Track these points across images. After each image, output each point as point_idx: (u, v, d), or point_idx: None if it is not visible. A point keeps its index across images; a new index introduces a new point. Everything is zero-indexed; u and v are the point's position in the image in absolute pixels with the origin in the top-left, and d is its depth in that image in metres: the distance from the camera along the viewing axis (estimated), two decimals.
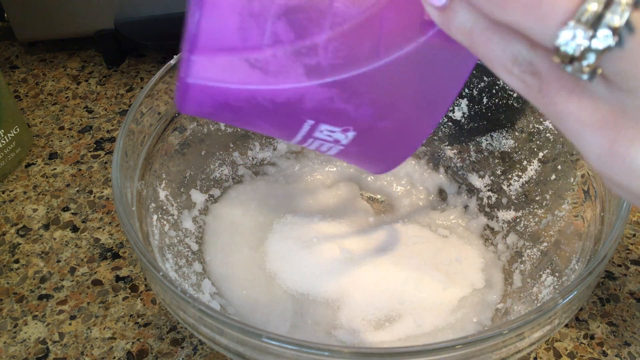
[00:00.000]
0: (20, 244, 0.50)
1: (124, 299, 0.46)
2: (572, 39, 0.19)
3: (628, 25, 0.19)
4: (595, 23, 0.19)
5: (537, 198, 0.46)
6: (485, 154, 0.50)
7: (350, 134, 0.30)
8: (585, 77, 0.20)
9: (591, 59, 0.19)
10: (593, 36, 0.19)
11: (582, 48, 0.19)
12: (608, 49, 0.19)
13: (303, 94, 0.27)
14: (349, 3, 0.26)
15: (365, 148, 0.32)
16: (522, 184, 0.47)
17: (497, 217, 0.48)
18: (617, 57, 0.19)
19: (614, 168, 0.21)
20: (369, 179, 0.53)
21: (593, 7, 0.19)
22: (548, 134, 0.45)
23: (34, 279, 0.48)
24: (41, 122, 0.62)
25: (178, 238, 0.44)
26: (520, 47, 0.21)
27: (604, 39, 0.19)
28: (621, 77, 0.19)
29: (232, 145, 0.50)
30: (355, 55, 0.27)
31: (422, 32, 0.27)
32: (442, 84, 0.30)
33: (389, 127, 0.31)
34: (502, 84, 0.47)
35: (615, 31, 0.19)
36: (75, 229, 0.51)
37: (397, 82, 0.28)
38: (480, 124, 0.49)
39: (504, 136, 0.48)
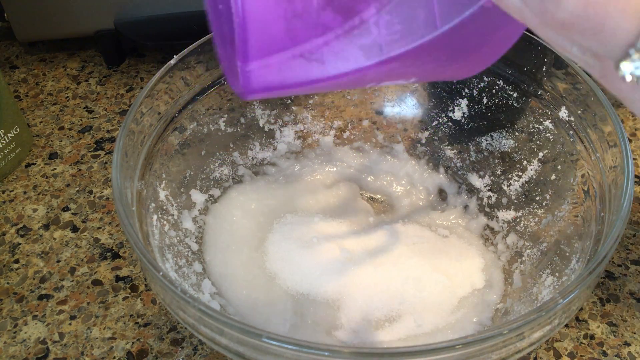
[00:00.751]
0: (20, 244, 0.50)
1: (124, 299, 0.46)
2: (635, 69, 0.20)
3: None
4: None
5: (537, 198, 0.46)
6: (485, 154, 0.50)
7: (412, 79, 0.31)
8: None
9: None
10: None
11: None
12: None
13: (364, 73, 0.27)
14: None
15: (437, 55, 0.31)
16: (522, 184, 0.47)
17: (497, 217, 0.48)
18: None
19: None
20: (369, 179, 0.53)
21: None
22: (548, 134, 0.45)
23: (34, 279, 0.48)
24: (41, 122, 0.62)
25: (178, 238, 0.44)
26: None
27: None
28: None
29: (232, 145, 0.50)
30: (410, 27, 0.26)
31: None
32: (497, 44, 0.29)
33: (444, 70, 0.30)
34: (502, 84, 0.47)
35: None
36: (75, 229, 0.51)
37: (455, 47, 0.28)
38: (480, 124, 0.49)
39: (504, 136, 0.48)
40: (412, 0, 0.26)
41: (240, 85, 0.26)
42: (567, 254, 0.40)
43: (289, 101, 0.52)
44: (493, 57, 0.30)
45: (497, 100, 0.48)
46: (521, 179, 0.47)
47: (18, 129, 0.56)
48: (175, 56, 0.44)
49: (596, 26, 0.20)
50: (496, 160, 0.49)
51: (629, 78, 0.20)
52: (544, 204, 0.45)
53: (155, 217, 0.41)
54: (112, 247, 0.50)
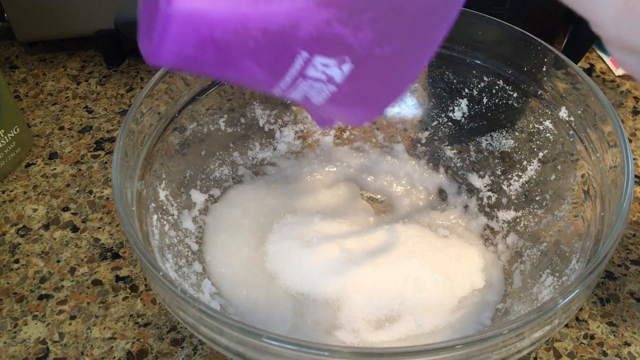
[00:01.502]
0: (20, 244, 0.50)
1: (124, 299, 0.46)
2: None
3: None
4: None
5: (537, 198, 0.46)
6: (485, 154, 0.50)
7: (346, 67, 0.28)
8: None
9: None
10: None
11: None
12: None
13: (298, 18, 0.25)
14: None
15: (359, 86, 0.30)
16: (522, 184, 0.47)
17: (497, 217, 0.48)
18: None
19: (631, 27, 0.20)
20: (369, 179, 0.53)
21: None
22: (548, 134, 0.45)
23: (34, 279, 0.48)
24: (41, 122, 0.62)
25: (178, 238, 0.44)
26: None
27: None
28: None
29: (232, 145, 0.50)
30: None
31: None
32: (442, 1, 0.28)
33: (387, 55, 0.28)
34: (502, 84, 0.47)
35: None
36: (75, 229, 0.51)
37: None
38: (480, 124, 0.49)
39: (504, 136, 0.48)
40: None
41: (159, 8, 0.23)
42: (567, 254, 0.40)
43: (289, 101, 0.52)
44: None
45: (497, 100, 0.48)
46: (521, 179, 0.47)
47: (18, 129, 0.56)
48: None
49: None
50: (496, 160, 0.49)
51: None
52: (544, 204, 0.45)
53: (155, 217, 0.41)
54: (112, 247, 0.50)
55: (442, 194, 0.52)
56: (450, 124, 0.51)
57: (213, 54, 0.25)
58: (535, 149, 0.46)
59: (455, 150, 0.51)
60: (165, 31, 0.24)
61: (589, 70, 0.68)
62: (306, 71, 0.27)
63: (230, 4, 0.23)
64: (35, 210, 0.53)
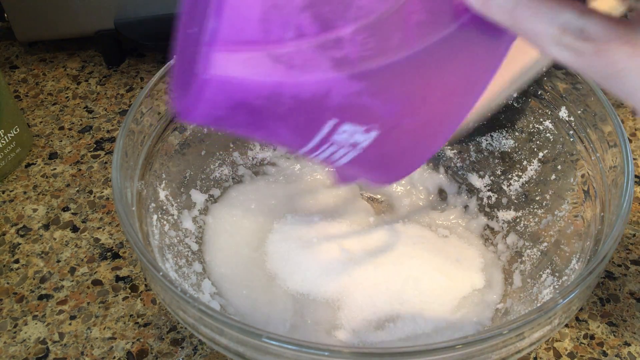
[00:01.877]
0: (20, 244, 0.50)
1: (124, 299, 0.46)
2: None
3: None
4: None
5: (537, 198, 0.46)
6: (485, 154, 0.50)
7: (373, 134, 0.29)
8: None
9: None
10: None
11: None
12: None
13: (330, 88, 0.25)
14: None
15: (383, 151, 0.31)
16: (522, 184, 0.47)
17: (497, 217, 0.48)
18: None
19: None
20: None
21: None
22: (548, 134, 0.45)
23: (34, 279, 0.48)
24: (41, 122, 0.62)
25: (178, 238, 0.44)
26: (570, 16, 0.22)
27: None
28: None
29: (232, 145, 0.50)
30: (385, 46, 0.25)
31: (454, 18, 0.26)
32: (473, 74, 0.29)
33: (414, 125, 0.29)
34: None
35: None
36: (75, 229, 0.51)
37: (428, 72, 0.27)
38: (480, 124, 0.49)
39: (504, 136, 0.48)
40: (388, 21, 0.25)
41: (195, 73, 0.24)
42: (567, 254, 0.40)
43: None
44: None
45: None
46: (521, 179, 0.47)
47: (18, 129, 0.56)
48: (175, 56, 0.44)
49: None
50: (496, 160, 0.49)
51: None
52: (544, 204, 0.45)
53: (155, 217, 0.41)
54: (112, 247, 0.50)
55: (442, 194, 0.52)
56: None
57: (245, 117, 0.26)
58: (535, 149, 0.46)
59: (455, 150, 0.51)
60: (200, 95, 0.24)
61: None
62: (333, 136, 0.28)
63: (264, 72, 0.24)
64: (35, 210, 0.53)
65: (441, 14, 0.26)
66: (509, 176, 0.48)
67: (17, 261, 0.49)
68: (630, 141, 0.59)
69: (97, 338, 0.44)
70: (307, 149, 0.29)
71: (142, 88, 0.61)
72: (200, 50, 0.24)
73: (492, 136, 0.49)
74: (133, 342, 0.44)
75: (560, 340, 0.44)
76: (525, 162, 0.47)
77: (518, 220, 0.47)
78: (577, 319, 0.45)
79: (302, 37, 0.24)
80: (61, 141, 0.59)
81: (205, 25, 0.24)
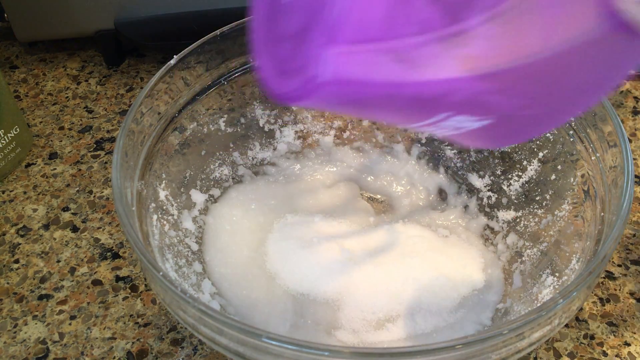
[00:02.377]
0: (20, 244, 0.50)
1: (124, 299, 0.46)
2: None
3: None
4: None
5: (537, 198, 0.46)
6: (485, 154, 0.50)
7: (486, 122, 0.27)
8: None
9: None
10: None
11: None
12: None
13: (454, 88, 0.24)
14: None
15: (491, 132, 0.28)
16: (522, 184, 0.47)
17: (497, 217, 0.48)
18: None
19: None
20: (368, 179, 0.53)
21: None
22: (548, 134, 0.45)
23: (34, 279, 0.48)
24: (41, 122, 0.62)
25: (178, 238, 0.44)
26: None
27: None
28: None
29: (232, 145, 0.50)
30: (517, 45, 0.23)
31: (597, 22, 0.23)
32: (604, 76, 0.27)
33: (529, 115, 0.27)
34: None
35: None
36: (75, 229, 0.51)
37: (558, 73, 0.25)
38: None
39: None
40: (522, 18, 0.23)
41: (309, 75, 0.22)
42: (567, 254, 0.40)
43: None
44: (577, 108, 0.29)
45: None
46: (521, 179, 0.47)
47: (18, 129, 0.56)
48: (175, 56, 0.44)
49: None
50: (496, 160, 0.49)
51: None
52: (544, 204, 0.45)
53: (155, 217, 0.41)
54: (112, 247, 0.50)
55: (442, 194, 0.52)
56: None
57: (356, 107, 0.25)
58: (535, 149, 0.46)
59: (455, 150, 0.51)
60: (313, 92, 0.23)
61: None
62: (444, 122, 0.27)
63: (386, 72, 0.23)
64: (35, 210, 0.53)
65: (583, 15, 0.23)
66: (509, 176, 0.48)
67: (17, 261, 0.49)
68: (630, 141, 0.59)
69: (97, 338, 0.44)
70: (413, 126, 0.28)
71: (142, 88, 0.61)
72: (315, 47, 0.22)
73: None
74: (133, 342, 0.44)
75: (560, 340, 0.44)
76: (525, 162, 0.47)
77: (518, 220, 0.47)
78: (577, 319, 0.45)
79: (426, 32, 0.22)
80: (61, 141, 0.59)
81: (319, 21, 0.22)
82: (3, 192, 0.55)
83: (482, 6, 0.22)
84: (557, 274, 0.40)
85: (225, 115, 0.49)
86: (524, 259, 0.44)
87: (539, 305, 0.32)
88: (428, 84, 0.23)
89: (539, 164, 0.46)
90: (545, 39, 0.23)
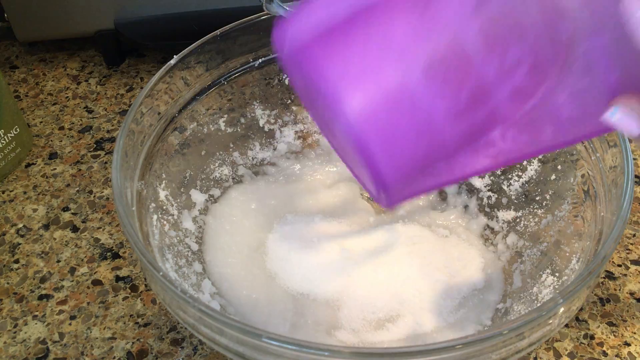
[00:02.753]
0: (20, 244, 0.50)
1: (124, 299, 0.46)
2: None
3: None
4: None
5: (537, 198, 0.46)
6: None
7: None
8: None
9: None
10: None
11: None
12: None
13: (489, 169, 0.31)
14: (515, 97, 0.27)
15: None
16: (522, 184, 0.47)
17: (497, 217, 0.48)
18: None
19: None
20: None
21: None
22: None
23: (34, 279, 0.48)
24: (41, 122, 0.62)
25: (178, 238, 0.44)
26: None
27: None
28: None
29: (232, 145, 0.50)
30: (535, 139, 0.29)
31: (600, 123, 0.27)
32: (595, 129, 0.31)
33: (534, 148, 0.32)
34: None
35: None
36: (75, 229, 0.51)
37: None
38: None
39: None
40: (538, 115, 0.28)
41: (384, 202, 0.30)
42: (567, 254, 0.40)
43: (289, 101, 0.52)
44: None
45: None
46: (521, 179, 0.47)
47: (18, 129, 0.56)
48: (175, 56, 0.44)
49: None
50: None
51: None
52: (544, 204, 0.45)
53: (155, 217, 0.41)
54: (112, 247, 0.50)
55: (442, 194, 0.52)
56: None
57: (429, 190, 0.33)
58: None
59: None
60: (394, 202, 0.31)
61: None
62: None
63: (432, 183, 0.30)
64: (35, 210, 0.53)
65: (590, 116, 0.28)
66: (509, 176, 0.48)
67: (17, 261, 0.49)
68: (631, 141, 0.59)
69: (97, 338, 0.44)
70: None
71: (142, 88, 0.61)
72: (377, 187, 0.29)
73: None
74: (133, 342, 0.44)
75: (560, 340, 0.44)
76: (525, 162, 0.47)
77: (518, 220, 0.47)
78: (577, 319, 0.45)
79: (461, 148, 0.28)
80: (61, 141, 0.59)
81: (369, 175, 0.28)
82: (3, 192, 0.55)
83: (507, 122, 0.28)
84: (557, 274, 0.40)
85: (225, 115, 0.49)
86: (524, 259, 0.44)
87: (539, 305, 0.32)
88: (466, 176, 0.31)
89: (539, 164, 0.46)
90: (556, 132, 0.29)
